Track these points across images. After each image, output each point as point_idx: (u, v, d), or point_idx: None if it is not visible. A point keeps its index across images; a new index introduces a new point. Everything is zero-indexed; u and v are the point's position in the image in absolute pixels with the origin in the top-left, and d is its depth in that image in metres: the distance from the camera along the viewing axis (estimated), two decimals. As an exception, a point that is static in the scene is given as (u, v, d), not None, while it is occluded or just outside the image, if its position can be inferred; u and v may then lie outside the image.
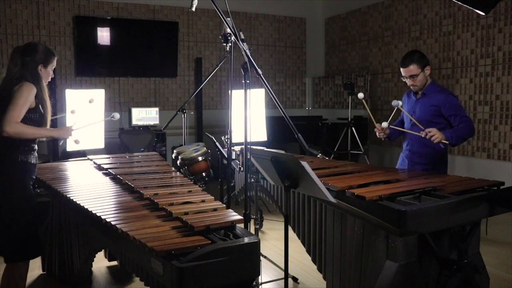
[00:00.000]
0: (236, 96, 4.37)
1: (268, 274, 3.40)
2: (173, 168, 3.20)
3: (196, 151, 3.69)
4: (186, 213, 2.02)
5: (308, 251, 2.65)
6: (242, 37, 2.31)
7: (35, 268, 3.40)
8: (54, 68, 2.70)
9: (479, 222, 2.33)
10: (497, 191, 2.28)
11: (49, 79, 2.67)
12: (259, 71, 2.21)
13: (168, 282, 1.63)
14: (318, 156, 3.12)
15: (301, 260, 3.63)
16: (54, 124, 2.74)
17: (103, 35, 6.74)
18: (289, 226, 2.39)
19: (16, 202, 2.49)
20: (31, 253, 2.57)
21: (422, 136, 2.83)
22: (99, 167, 3.22)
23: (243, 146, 2.39)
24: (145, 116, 6.71)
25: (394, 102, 2.97)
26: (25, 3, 6.35)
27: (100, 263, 3.58)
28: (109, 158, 3.56)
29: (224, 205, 2.15)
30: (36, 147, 2.60)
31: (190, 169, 3.66)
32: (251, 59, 2.17)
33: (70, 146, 3.90)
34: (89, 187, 2.66)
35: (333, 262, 2.42)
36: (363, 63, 7.49)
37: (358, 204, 2.14)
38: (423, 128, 2.84)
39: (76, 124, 2.90)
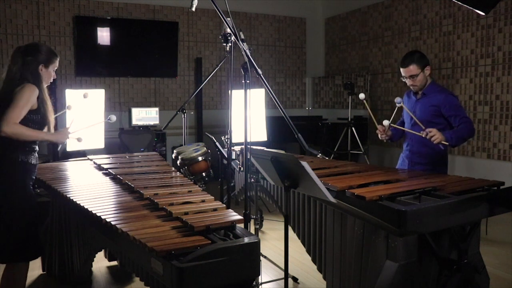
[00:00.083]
0: (236, 96, 4.37)
1: (268, 274, 3.40)
2: (173, 168, 3.20)
3: (196, 151, 3.69)
4: (186, 213, 2.02)
5: (308, 251, 2.65)
6: (242, 37, 2.31)
7: (35, 268, 3.40)
8: (55, 69, 2.70)
9: (479, 222, 2.33)
10: (497, 191, 2.28)
11: (51, 80, 2.66)
12: (259, 71, 2.21)
13: (168, 282, 1.63)
14: (318, 156, 3.12)
15: (301, 260, 3.63)
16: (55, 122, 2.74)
17: (103, 35, 6.74)
18: (289, 226, 2.39)
19: (17, 202, 2.49)
20: (31, 254, 2.56)
21: (423, 136, 2.83)
22: (99, 167, 3.22)
23: (243, 146, 2.39)
24: (145, 116, 6.71)
25: (397, 99, 2.97)
26: (25, 3, 6.35)
27: (100, 263, 3.58)
28: (109, 158, 3.56)
29: (224, 205, 2.15)
30: (36, 147, 2.60)
31: (190, 169, 3.66)
32: (251, 59, 2.16)
33: (70, 146, 3.90)
34: (89, 187, 2.66)
35: (333, 262, 2.42)
36: (363, 63, 7.49)
37: (358, 204, 2.14)
38: (424, 128, 2.84)
39: (72, 126, 2.89)
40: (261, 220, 4.46)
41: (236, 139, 3.83)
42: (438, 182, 2.36)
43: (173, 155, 3.86)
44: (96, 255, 2.85)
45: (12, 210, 2.47)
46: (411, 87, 3.08)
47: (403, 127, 3.22)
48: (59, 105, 5.89)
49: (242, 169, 3.21)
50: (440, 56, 6.13)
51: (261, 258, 3.15)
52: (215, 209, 2.10)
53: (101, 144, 4.00)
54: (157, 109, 6.83)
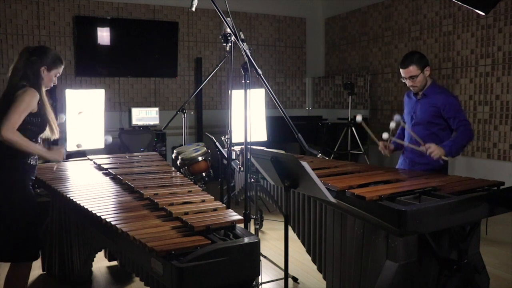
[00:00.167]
0: (236, 96, 4.37)
1: (268, 274, 3.40)
2: (173, 168, 3.19)
3: (196, 151, 3.69)
4: (186, 213, 2.02)
5: (308, 251, 2.65)
6: (242, 37, 2.31)
7: (35, 268, 3.39)
8: (57, 75, 2.70)
9: (479, 222, 2.33)
10: (497, 191, 2.28)
11: (51, 85, 2.66)
12: (259, 71, 2.21)
13: (168, 282, 1.63)
14: (318, 156, 3.12)
15: (301, 260, 3.63)
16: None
17: (103, 35, 6.75)
18: (289, 226, 2.39)
19: (16, 202, 2.49)
20: (31, 253, 2.56)
21: (423, 151, 2.83)
22: (99, 167, 3.22)
23: (243, 146, 2.39)
24: (145, 116, 6.71)
25: (396, 117, 2.97)
26: (25, 3, 6.35)
27: (100, 263, 3.58)
28: (109, 158, 3.56)
29: (224, 205, 2.15)
30: None
31: (190, 169, 3.66)
32: (251, 59, 2.16)
33: (70, 146, 3.90)
34: (89, 187, 2.66)
35: (333, 262, 2.42)
36: (363, 63, 7.49)
37: (358, 204, 2.14)
38: (423, 143, 2.85)
39: (68, 146, 2.93)
40: (261, 220, 4.46)
41: (236, 139, 3.83)
42: (438, 182, 2.36)
43: (173, 155, 3.86)
44: (96, 255, 2.85)
45: (12, 210, 2.47)
46: (411, 88, 3.08)
47: (403, 132, 3.24)
48: (59, 105, 5.90)
49: (242, 169, 3.21)
50: (440, 56, 6.13)
51: (261, 258, 3.15)
52: (215, 209, 2.10)
53: (101, 144, 4.00)
54: (157, 109, 6.83)
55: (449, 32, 5.99)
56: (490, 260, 3.53)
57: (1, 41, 6.24)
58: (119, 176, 2.81)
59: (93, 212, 2.12)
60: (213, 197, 2.31)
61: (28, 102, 2.43)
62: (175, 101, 7.33)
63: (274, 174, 2.18)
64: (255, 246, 1.76)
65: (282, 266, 2.57)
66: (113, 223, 1.95)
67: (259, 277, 2.91)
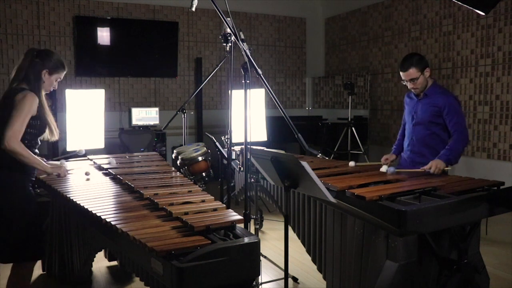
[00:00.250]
0: (236, 96, 4.37)
1: (268, 274, 3.40)
2: (173, 168, 3.19)
3: (196, 151, 3.69)
4: (186, 213, 2.02)
5: (308, 251, 2.65)
6: (242, 37, 2.31)
7: (35, 268, 3.39)
8: (58, 80, 2.71)
9: (479, 222, 2.33)
10: (497, 191, 2.28)
11: (51, 89, 2.67)
12: (259, 71, 2.21)
13: (168, 282, 1.63)
14: (318, 156, 3.12)
15: (301, 260, 3.63)
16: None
17: (103, 35, 6.74)
18: (289, 226, 2.39)
19: (16, 202, 2.49)
20: (32, 254, 2.56)
21: (425, 170, 2.75)
22: (99, 167, 3.22)
23: (243, 146, 2.39)
24: (145, 116, 6.71)
25: (389, 169, 2.74)
26: (25, 3, 6.35)
27: (100, 263, 3.58)
28: (109, 158, 3.55)
29: (224, 205, 2.15)
30: (36, 151, 2.60)
31: (190, 169, 3.66)
32: (251, 59, 2.16)
33: (71, 147, 3.90)
34: (89, 187, 2.66)
35: (333, 262, 2.42)
36: (363, 63, 7.49)
37: (358, 204, 2.14)
38: (422, 170, 2.75)
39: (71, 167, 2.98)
40: (261, 220, 4.46)
41: (236, 139, 3.83)
42: (438, 182, 2.36)
43: (173, 155, 3.86)
44: (96, 255, 2.85)
45: (11, 210, 2.47)
46: (412, 91, 3.09)
47: (405, 128, 3.24)
48: (59, 105, 5.90)
49: (242, 169, 3.21)
50: (440, 56, 6.13)
51: (261, 258, 3.15)
52: (215, 209, 2.10)
53: (101, 144, 4.00)
54: (157, 109, 6.83)
55: (449, 32, 5.99)
56: (490, 260, 3.53)
57: (1, 41, 6.24)
58: (119, 176, 2.81)
59: (93, 212, 2.12)
60: (213, 197, 2.31)
61: (29, 108, 2.45)
62: (175, 101, 7.33)
63: (274, 174, 2.18)
64: (255, 246, 1.76)
65: (282, 266, 2.57)
66: (113, 223, 1.95)
67: (259, 277, 2.91)
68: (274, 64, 8.12)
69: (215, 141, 3.59)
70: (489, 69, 5.52)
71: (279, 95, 8.11)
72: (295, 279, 3.31)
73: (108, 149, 4.21)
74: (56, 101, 5.81)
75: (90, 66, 6.73)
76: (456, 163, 2.94)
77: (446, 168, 2.80)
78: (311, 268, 3.22)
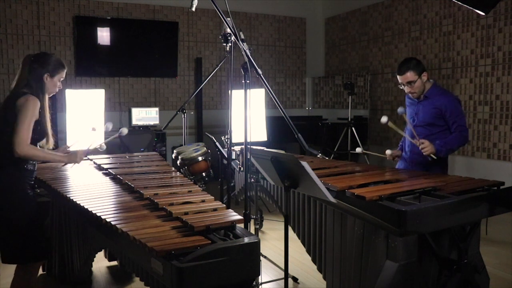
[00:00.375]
0: (236, 96, 4.37)
1: (268, 274, 3.40)
2: (173, 168, 3.19)
3: (196, 151, 3.69)
4: (186, 213, 2.02)
5: (308, 251, 2.65)
6: (242, 37, 2.31)
7: (35, 268, 3.40)
8: (61, 80, 2.71)
9: (479, 222, 2.33)
10: (497, 191, 2.28)
11: (56, 90, 2.67)
12: (259, 71, 2.21)
13: (168, 282, 1.63)
14: (318, 156, 3.12)
15: (301, 260, 3.63)
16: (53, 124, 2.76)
17: (103, 35, 6.75)
18: (289, 226, 2.39)
19: (16, 203, 2.49)
20: (35, 255, 2.56)
21: (417, 144, 2.92)
22: (99, 167, 3.22)
23: (243, 146, 2.39)
24: (145, 116, 6.71)
25: (399, 110, 3.02)
26: (25, 3, 6.35)
27: (100, 263, 3.58)
28: (109, 158, 3.56)
29: (224, 205, 2.15)
30: None
31: (190, 169, 3.66)
32: (251, 59, 2.16)
33: (70, 147, 3.89)
34: (89, 187, 2.66)
35: (333, 262, 2.42)
36: (363, 63, 7.49)
37: (358, 204, 2.14)
38: (418, 138, 2.93)
39: (76, 146, 2.94)
40: (261, 220, 4.46)
41: (236, 139, 3.83)
42: (438, 182, 2.36)
43: (173, 155, 3.86)
44: (96, 255, 2.85)
45: (11, 211, 2.47)
46: (410, 94, 3.09)
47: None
48: (59, 105, 5.90)
49: (242, 169, 3.21)
50: (440, 56, 6.13)
51: (261, 258, 3.15)
52: (215, 209, 2.10)
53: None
54: (157, 109, 6.83)
55: (449, 32, 5.99)
56: (490, 260, 3.53)
57: (1, 41, 6.24)
58: (119, 176, 2.81)
59: (93, 212, 2.12)
60: (213, 197, 2.31)
61: (32, 112, 2.46)
62: (175, 101, 7.33)
63: (274, 174, 2.18)
64: (255, 246, 1.76)
65: (282, 266, 2.57)
66: (113, 223, 1.95)
67: (259, 277, 2.91)
68: (274, 64, 8.12)
69: (215, 141, 3.59)
70: (489, 69, 5.52)
71: (279, 95, 8.12)
72: (295, 279, 3.31)
73: (108, 149, 4.19)
74: (56, 101, 5.81)
75: (90, 66, 6.73)
76: (445, 156, 2.97)
77: (433, 156, 2.87)
78: (311, 268, 3.23)
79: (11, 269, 2.60)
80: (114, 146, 5.85)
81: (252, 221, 3.06)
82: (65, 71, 2.70)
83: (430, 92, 3.03)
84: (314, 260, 2.62)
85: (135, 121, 6.64)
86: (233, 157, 3.39)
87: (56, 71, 2.61)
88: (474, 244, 2.35)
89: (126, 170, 3.04)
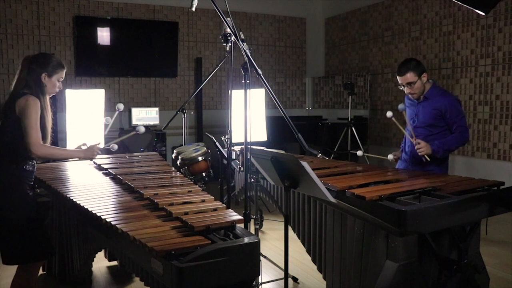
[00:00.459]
0: (236, 96, 4.37)
1: (268, 274, 3.40)
2: (173, 168, 3.19)
3: (196, 151, 3.69)
4: (186, 213, 2.02)
5: (308, 251, 2.65)
6: (242, 37, 2.31)
7: (35, 268, 3.40)
8: (61, 80, 2.71)
9: (479, 222, 2.33)
10: (497, 191, 2.28)
11: (56, 91, 2.67)
12: (259, 71, 2.21)
13: (168, 282, 1.63)
14: (318, 156, 3.13)
15: (301, 260, 3.63)
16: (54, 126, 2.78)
17: (103, 35, 6.75)
18: (289, 226, 2.39)
19: (16, 203, 2.49)
20: (35, 255, 2.56)
21: (414, 143, 2.95)
22: (99, 167, 3.22)
23: (243, 146, 2.39)
24: (145, 116, 6.72)
25: (400, 106, 3.04)
26: (25, 3, 6.35)
27: (100, 263, 3.58)
28: (109, 158, 3.55)
29: (224, 205, 2.15)
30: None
31: (190, 169, 3.66)
32: (251, 59, 2.16)
33: (70, 147, 3.89)
34: (89, 187, 2.66)
35: (333, 262, 2.42)
36: (363, 63, 7.49)
37: (358, 204, 2.14)
38: (414, 137, 2.97)
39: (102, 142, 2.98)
40: (261, 220, 4.46)
41: (236, 139, 3.83)
42: (438, 182, 2.36)
43: (173, 155, 3.86)
44: (96, 255, 2.85)
45: (10, 212, 2.47)
46: (410, 95, 3.09)
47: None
48: (59, 105, 5.90)
49: (242, 169, 3.21)
50: (440, 56, 6.13)
51: (261, 258, 3.15)
52: (215, 209, 2.10)
53: (101, 144, 3.99)
54: (157, 109, 6.83)
55: (449, 32, 5.99)
56: (490, 260, 3.54)
57: (1, 41, 6.24)
58: (119, 176, 2.80)
59: (93, 212, 2.12)
60: (213, 197, 2.31)
61: (35, 112, 2.47)
62: (175, 101, 7.33)
63: (274, 174, 2.18)
64: (255, 246, 1.75)
65: (282, 266, 2.57)
66: (113, 223, 1.95)
67: (259, 277, 2.91)
68: (274, 64, 8.12)
69: (215, 141, 3.59)
70: (489, 69, 5.52)
71: (279, 95, 8.12)
72: (295, 279, 3.31)
73: (108, 149, 4.21)
74: (56, 101, 5.81)
75: (90, 66, 6.73)
76: (442, 156, 2.97)
77: (428, 158, 2.88)
78: (311, 268, 3.23)
79: (11, 269, 2.60)
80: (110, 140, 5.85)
81: (252, 221, 3.06)
82: (64, 71, 2.70)
83: (430, 93, 3.04)
84: (314, 260, 2.62)
85: (135, 121, 6.64)
86: (233, 157, 3.39)
87: (54, 71, 2.61)
88: (474, 244, 2.35)
89: (126, 170, 3.04)
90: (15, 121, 2.46)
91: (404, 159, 3.22)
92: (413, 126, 3.11)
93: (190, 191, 2.44)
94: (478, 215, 2.17)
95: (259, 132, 4.78)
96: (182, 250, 1.66)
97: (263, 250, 3.67)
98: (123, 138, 3.05)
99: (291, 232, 2.45)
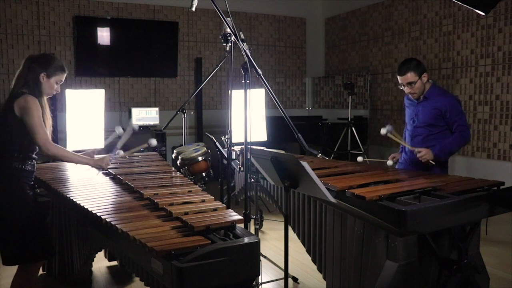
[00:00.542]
0: (236, 96, 4.37)
1: (268, 274, 3.40)
2: (173, 168, 3.19)
3: (196, 151, 3.69)
4: (186, 213, 2.02)
5: (308, 251, 2.65)
6: (242, 37, 2.31)
7: (35, 268, 3.39)
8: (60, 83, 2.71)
9: (479, 222, 2.33)
10: (497, 191, 2.28)
11: (53, 92, 2.67)
12: (259, 71, 2.22)
13: (168, 282, 1.63)
14: (318, 156, 3.13)
15: (301, 260, 3.63)
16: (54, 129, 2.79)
17: (103, 35, 6.74)
18: (289, 226, 2.39)
19: (16, 203, 2.49)
20: (35, 255, 2.56)
21: (415, 153, 2.96)
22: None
23: (243, 146, 2.39)
24: (145, 116, 6.71)
25: (387, 128, 2.98)
26: (25, 3, 6.35)
27: (100, 263, 3.58)
28: (112, 156, 3.55)
29: (224, 205, 2.15)
30: (35, 155, 2.60)
31: (190, 169, 3.66)
32: (251, 59, 2.17)
33: (71, 146, 3.90)
34: (89, 187, 2.66)
35: (333, 262, 2.42)
36: (363, 63, 7.49)
37: (358, 204, 2.14)
38: (415, 148, 2.97)
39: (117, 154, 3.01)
40: (261, 220, 4.46)
41: (236, 139, 3.83)
42: (438, 182, 2.36)
43: (173, 155, 3.86)
44: (96, 255, 2.85)
45: (10, 212, 2.47)
46: (410, 95, 3.10)
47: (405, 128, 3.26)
48: (59, 105, 5.90)
49: (242, 169, 3.21)
50: (440, 56, 6.13)
51: (261, 258, 3.15)
52: (215, 209, 2.10)
53: (101, 144, 4.00)
54: (157, 109, 6.83)
55: (449, 32, 5.99)
56: (490, 260, 3.54)
57: (1, 41, 6.24)
58: (119, 176, 2.81)
59: (93, 212, 2.12)
60: (213, 197, 2.31)
61: (37, 110, 2.48)
62: (175, 101, 7.33)
63: (274, 174, 2.18)
64: (255, 246, 1.75)
65: (282, 266, 2.57)
66: (113, 223, 1.95)
67: (259, 277, 2.91)
68: (274, 64, 8.12)
69: (215, 141, 3.59)
70: (489, 69, 5.52)
71: (279, 95, 8.11)
72: (295, 279, 3.31)
73: (108, 149, 4.20)
74: (56, 101, 5.81)
75: (90, 66, 6.73)
76: (445, 159, 2.97)
77: (432, 162, 2.88)
78: (311, 268, 3.23)
79: (11, 269, 2.60)
80: (114, 146, 5.85)
81: (252, 221, 3.06)
82: (65, 75, 2.69)
83: (430, 93, 3.04)
84: (314, 260, 2.62)
85: (135, 121, 6.63)
86: (233, 157, 3.39)
87: (54, 72, 2.61)
88: (474, 244, 2.35)
89: (126, 170, 3.04)
90: (15, 121, 2.46)
91: (405, 159, 3.21)
92: (413, 126, 3.12)
93: (190, 191, 2.45)
94: (478, 215, 2.17)
95: (259, 132, 4.78)
96: (182, 250, 1.66)
97: (263, 250, 3.67)
98: (134, 150, 3.11)
99: (291, 232, 2.45)
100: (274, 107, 6.07)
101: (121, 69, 6.94)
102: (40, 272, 3.44)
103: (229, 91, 2.64)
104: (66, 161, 2.58)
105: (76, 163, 2.76)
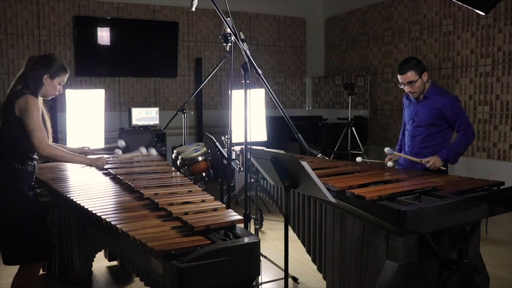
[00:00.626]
0: (236, 96, 4.37)
1: (268, 274, 3.40)
2: (173, 168, 3.19)
3: (196, 151, 3.69)
4: (186, 213, 2.02)
5: (308, 251, 2.65)
6: (242, 37, 2.31)
7: (35, 268, 3.39)
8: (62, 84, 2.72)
9: (479, 222, 2.33)
10: (497, 191, 2.28)
11: (56, 93, 2.68)
12: (259, 71, 2.21)
13: (168, 282, 1.63)
14: (318, 156, 3.13)
15: (301, 260, 3.63)
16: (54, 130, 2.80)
17: (103, 35, 6.74)
18: (289, 226, 2.39)
19: (16, 203, 2.49)
20: (35, 255, 2.56)
21: (423, 163, 2.91)
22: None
23: (243, 146, 2.39)
24: (145, 116, 6.72)
25: (387, 150, 3.01)
26: (25, 3, 6.35)
27: (100, 263, 3.58)
28: (109, 158, 3.55)
29: (224, 205, 2.15)
30: (35, 156, 2.60)
31: (190, 169, 3.66)
32: (251, 59, 2.16)
33: (70, 146, 3.89)
34: (89, 187, 2.66)
35: (333, 262, 2.42)
36: (363, 63, 7.49)
37: (358, 204, 2.14)
38: (420, 160, 2.93)
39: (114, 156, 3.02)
40: (261, 220, 4.46)
41: (236, 139, 3.83)
42: (438, 182, 2.36)
43: (173, 155, 3.86)
44: (96, 255, 2.85)
45: (10, 213, 2.47)
46: (410, 94, 3.10)
47: (404, 129, 3.26)
48: (59, 105, 5.90)
49: (242, 169, 3.21)
50: (440, 56, 6.13)
51: (261, 258, 3.16)
52: (215, 209, 2.10)
53: (101, 144, 4.00)
54: (157, 109, 6.83)
55: (449, 32, 5.99)
56: (490, 260, 3.54)
57: (1, 41, 6.24)
58: (119, 176, 2.81)
59: (93, 212, 2.12)
60: (213, 197, 2.31)
61: (37, 110, 2.48)
62: (175, 101, 7.33)
63: (274, 174, 2.18)
64: (255, 246, 1.75)
65: (282, 266, 2.57)
66: (113, 223, 1.95)
67: (259, 277, 2.91)
68: (274, 64, 8.12)
69: (215, 141, 3.59)
70: (489, 69, 5.52)
71: (279, 95, 8.12)
72: (295, 279, 3.31)
73: (108, 149, 4.20)
74: (56, 101, 5.81)
75: (90, 66, 6.73)
76: (454, 162, 2.97)
77: (443, 168, 2.85)
78: (311, 268, 3.23)
79: (11, 269, 2.60)
80: (114, 146, 5.85)
81: (252, 221, 3.06)
82: (67, 75, 2.69)
83: (429, 92, 3.04)
84: (314, 260, 2.62)
85: (135, 121, 6.64)
86: (233, 157, 3.39)
87: (57, 73, 2.61)
88: (474, 244, 2.35)
89: (126, 170, 3.04)
90: (15, 121, 2.46)
91: (404, 159, 3.21)
92: (413, 126, 3.12)
93: (190, 191, 2.44)
94: (478, 215, 2.17)
95: (259, 132, 4.78)
96: (182, 250, 1.66)
97: (263, 250, 3.67)
98: (133, 155, 3.14)
99: (291, 232, 2.45)
100: (274, 107, 6.07)
101: (121, 69, 6.94)
102: (40, 272, 3.45)
103: (229, 91, 2.64)
104: (63, 161, 2.58)
105: (72, 162, 2.76)
